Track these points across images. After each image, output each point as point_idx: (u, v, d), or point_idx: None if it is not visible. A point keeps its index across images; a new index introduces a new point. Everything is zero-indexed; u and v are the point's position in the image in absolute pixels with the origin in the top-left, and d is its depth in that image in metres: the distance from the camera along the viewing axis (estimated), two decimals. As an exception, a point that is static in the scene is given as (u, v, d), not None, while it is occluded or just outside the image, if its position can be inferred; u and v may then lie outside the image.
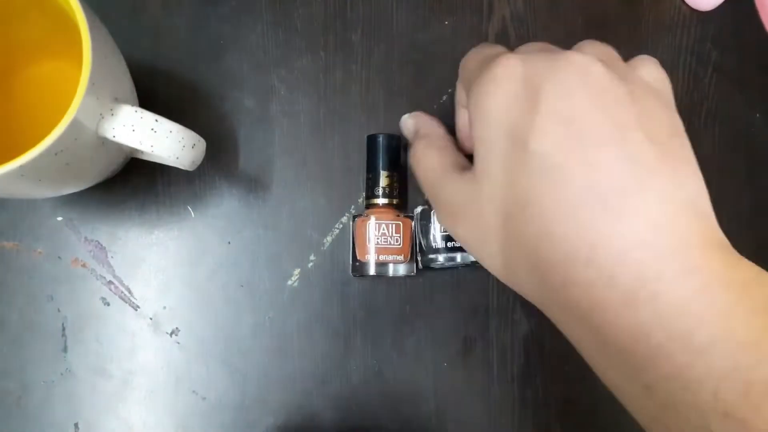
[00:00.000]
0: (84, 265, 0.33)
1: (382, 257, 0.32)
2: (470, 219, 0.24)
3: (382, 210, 0.32)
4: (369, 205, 0.33)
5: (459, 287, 0.35)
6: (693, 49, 0.39)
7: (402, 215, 0.33)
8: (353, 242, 0.32)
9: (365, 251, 0.32)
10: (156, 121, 0.26)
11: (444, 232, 0.32)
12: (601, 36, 0.38)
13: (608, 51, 0.25)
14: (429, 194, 0.28)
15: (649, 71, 0.25)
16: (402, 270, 0.32)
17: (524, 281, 0.24)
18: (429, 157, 0.28)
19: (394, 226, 0.32)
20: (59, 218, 0.33)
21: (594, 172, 0.20)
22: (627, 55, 0.38)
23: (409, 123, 0.32)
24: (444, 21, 0.37)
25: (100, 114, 0.25)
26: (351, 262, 0.33)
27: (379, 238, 0.32)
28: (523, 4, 0.38)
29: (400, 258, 0.32)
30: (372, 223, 0.32)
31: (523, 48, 0.25)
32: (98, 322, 0.33)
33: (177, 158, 0.27)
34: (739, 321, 0.18)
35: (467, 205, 0.24)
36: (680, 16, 0.39)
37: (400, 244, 0.32)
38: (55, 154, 0.23)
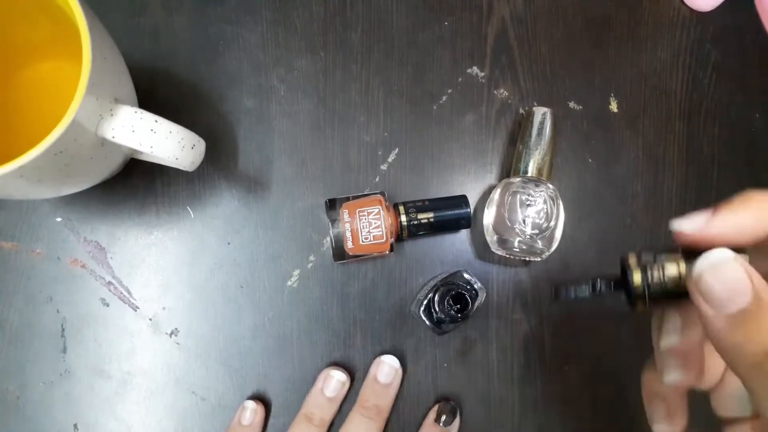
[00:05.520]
0: (83, 266, 0.33)
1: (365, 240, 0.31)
2: None
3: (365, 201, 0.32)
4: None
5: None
6: (693, 49, 0.39)
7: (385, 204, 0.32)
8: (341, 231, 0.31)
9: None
10: (156, 121, 0.26)
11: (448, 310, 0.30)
12: (601, 36, 0.39)
13: None
14: None
15: None
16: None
17: None
18: None
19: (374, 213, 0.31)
20: (58, 219, 0.33)
21: None
22: (626, 56, 0.38)
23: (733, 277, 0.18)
24: (443, 21, 0.37)
25: (100, 114, 0.25)
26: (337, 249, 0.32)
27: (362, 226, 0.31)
28: (523, 4, 0.38)
29: (381, 240, 0.31)
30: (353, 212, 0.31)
31: None
32: (97, 323, 0.33)
33: (176, 159, 0.27)
34: None
35: None
36: (680, 16, 0.39)
37: (381, 231, 0.31)
38: (55, 154, 0.23)
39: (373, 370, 0.33)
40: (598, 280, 0.21)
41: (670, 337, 0.21)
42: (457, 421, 0.33)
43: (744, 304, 0.17)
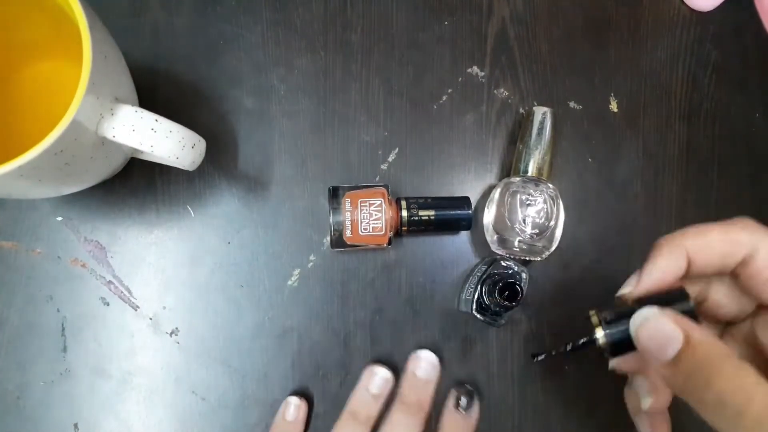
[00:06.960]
0: (83, 265, 0.33)
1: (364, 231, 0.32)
2: None
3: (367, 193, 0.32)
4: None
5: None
6: (693, 49, 0.39)
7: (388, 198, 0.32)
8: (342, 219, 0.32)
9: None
10: (156, 121, 0.26)
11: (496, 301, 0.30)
12: (602, 36, 0.39)
13: None
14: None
15: None
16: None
17: None
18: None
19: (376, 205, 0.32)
20: (59, 218, 0.33)
21: None
22: (626, 56, 0.38)
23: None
24: (444, 21, 0.37)
25: (100, 114, 0.25)
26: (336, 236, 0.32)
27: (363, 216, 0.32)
28: (523, 4, 0.38)
29: (380, 233, 0.32)
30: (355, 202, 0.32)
31: None
32: (98, 322, 0.33)
33: (177, 158, 0.27)
34: None
35: None
36: (680, 16, 0.39)
37: (381, 224, 0.32)
38: (55, 153, 0.23)
39: (411, 366, 0.32)
40: (569, 345, 0.23)
41: (645, 399, 0.25)
42: (477, 403, 0.32)
43: (677, 349, 0.19)
